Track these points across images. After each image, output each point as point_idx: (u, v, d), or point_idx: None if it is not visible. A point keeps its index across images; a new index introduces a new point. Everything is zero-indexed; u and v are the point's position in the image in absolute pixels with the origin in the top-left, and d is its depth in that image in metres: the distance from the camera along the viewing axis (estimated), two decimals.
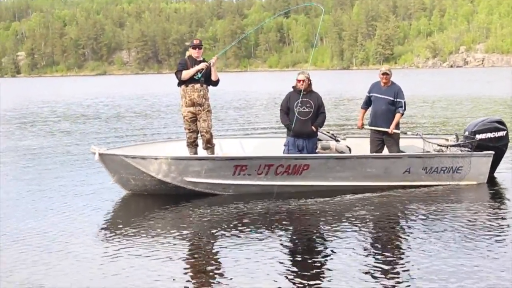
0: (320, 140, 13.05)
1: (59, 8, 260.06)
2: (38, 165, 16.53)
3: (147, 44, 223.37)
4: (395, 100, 12.80)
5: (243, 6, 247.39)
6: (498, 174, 13.46)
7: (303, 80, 12.40)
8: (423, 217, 10.36)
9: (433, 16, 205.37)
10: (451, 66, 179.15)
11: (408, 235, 9.41)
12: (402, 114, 12.93)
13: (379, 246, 8.93)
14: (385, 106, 12.88)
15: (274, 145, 13.45)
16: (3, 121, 30.97)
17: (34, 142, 21.65)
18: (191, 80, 12.51)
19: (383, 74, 12.92)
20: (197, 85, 12.53)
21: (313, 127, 12.40)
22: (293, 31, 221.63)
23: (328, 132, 13.49)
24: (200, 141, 12.88)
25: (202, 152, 12.91)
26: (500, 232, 9.45)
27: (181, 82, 12.62)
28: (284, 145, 12.71)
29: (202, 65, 12.50)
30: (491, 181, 13.00)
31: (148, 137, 21.97)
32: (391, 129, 12.85)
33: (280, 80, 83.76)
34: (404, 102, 12.89)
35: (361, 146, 13.59)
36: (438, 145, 13.55)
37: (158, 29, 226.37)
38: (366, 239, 9.26)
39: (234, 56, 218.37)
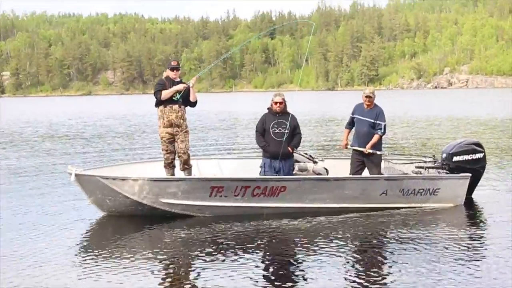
0: (298, 161, 12.99)
1: (45, 28, 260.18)
2: (16, 184, 16.45)
3: (132, 64, 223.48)
4: (375, 122, 12.78)
5: (228, 27, 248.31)
6: (476, 196, 13.45)
7: (280, 102, 12.38)
8: (400, 239, 10.32)
9: (416, 38, 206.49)
10: (436, 87, 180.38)
11: (385, 257, 9.39)
12: (381, 136, 12.82)
13: (357, 268, 8.89)
14: (367, 128, 12.85)
15: (252, 166, 13.32)
16: None
17: (14, 162, 21.51)
18: (169, 101, 12.44)
19: (366, 96, 12.88)
20: (175, 106, 12.48)
21: (289, 148, 12.35)
22: (278, 51, 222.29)
23: (306, 154, 13.40)
24: (177, 162, 12.80)
25: (179, 173, 12.83)
26: (477, 253, 9.46)
27: (159, 103, 12.54)
28: (261, 166, 12.62)
29: (181, 86, 12.44)
30: (469, 203, 12.95)
31: (129, 157, 21.83)
32: (366, 149, 12.79)
33: (263, 101, 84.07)
34: (385, 125, 12.81)
35: (339, 167, 13.55)
36: (416, 166, 13.54)
37: (144, 49, 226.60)
38: (343, 261, 9.20)
39: (219, 76, 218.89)
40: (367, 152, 12.78)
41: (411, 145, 24.96)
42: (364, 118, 12.92)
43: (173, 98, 12.41)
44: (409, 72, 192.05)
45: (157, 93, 12.49)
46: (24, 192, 15.32)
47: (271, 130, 12.31)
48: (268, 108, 12.59)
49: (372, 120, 12.80)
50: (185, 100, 12.59)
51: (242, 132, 33.70)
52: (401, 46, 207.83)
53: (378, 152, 12.97)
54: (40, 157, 23.17)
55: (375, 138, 12.80)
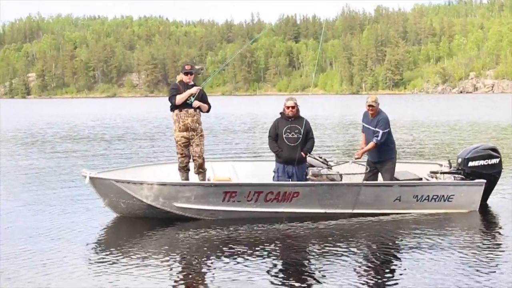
0: (312, 166, 12.93)
1: (70, 30, 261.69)
2: (35, 185, 16.70)
3: (156, 67, 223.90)
4: (374, 129, 12.71)
5: (253, 30, 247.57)
6: (491, 202, 13.33)
7: (293, 107, 12.36)
8: (413, 245, 10.31)
9: (441, 42, 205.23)
10: (461, 92, 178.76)
11: (397, 263, 9.38)
12: (376, 144, 12.64)
13: (369, 274, 8.87)
14: (371, 136, 12.81)
15: (267, 169, 13.25)
16: (4, 141, 31.05)
17: (33, 162, 21.82)
18: (185, 105, 12.51)
19: (369, 106, 12.83)
20: (191, 110, 12.54)
21: (302, 153, 12.31)
22: (303, 55, 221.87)
23: (321, 157, 13.33)
24: (191, 166, 12.82)
25: (193, 176, 12.86)
26: (491, 261, 9.37)
27: (174, 107, 12.59)
28: (274, 171, 12.62)
29: (195, 89, 12.50)
30: (484, 209, 12.85)
31: (147, 159, 21.94)
32: (356, 155, 12.95)
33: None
34: (383, 133, 12.61)
35: (354, 171, 13.44)
36: (431, 171, 13.45)
37: (168, 52, 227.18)
38: (355, 266, 9.18)
39: (244, 79, 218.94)
40: (356, 158, 12.88)
41: (430, 149, 24.89)
42: (368, 126, 12.94)
43: (187, 101, 12.45)
44: (434, 76, 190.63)
45: (171, 98, 12.57)
46: (40, 192, 15.57)
47: (284, 135, 12.29)
48: (280, 113, 12.58)
49: (373, 128, 12.74)
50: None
51: (261, 135, 33.66)
52: (426, 50, 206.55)
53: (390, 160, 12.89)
54: (59, 158, 23.48)
55: (369, 145, 12.77)
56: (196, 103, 12.50)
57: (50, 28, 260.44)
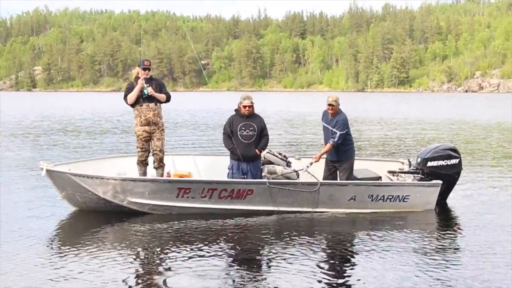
0: (271, 162, 12.90)
1: (77, 24, 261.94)
2: None
3: (162, 61, 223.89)
4: (332, 130, 12.65)
5: (259, 26, 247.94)
6: (450, 201, 13.38)
7: (249, 106, 12.37)
8: (364, 242, 10.39)
9: (448, 41, 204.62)
10: (466, 91, 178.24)
11: (353, 259, 9.50)
12: (333, 145, 12.60)
13: (324, 270, 8.94)
14: (330, 136, 12.76)
15: (228, 164, 13.25)
16: None
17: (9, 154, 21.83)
18: (145, 99, 12.57)
19: (329, 105, 12.74)
20: (152, 104, 12.66)
21: (256, 150, 12.31)
22: (309, 52, 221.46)
23: (280, 154, 13.28)
24: (150, 160, 12.84)
25: (151, 170, 12.89)
26: (444, 257, 9.49)
27: (133, 104, 12.62)
28: (228, 168, 12.65)
29: (140, 83, 12.52)
30: (442, 208, 12.86)
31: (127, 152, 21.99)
32: (314, 159, 12.85)
33: (289, 101, 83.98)
34: (340, 134, 12.54)
35: (316, 167, 13.37)
36: (389, 171, 13.43)
37: (174, 47, 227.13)
38: (310, 263, 9.20)
39: (249, 75, 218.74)
40: (314, 161, 12.79)
41: (406, 146, 24.86)
42: (327, 126, 12.88)
43: (143, 95, 12.48)
44: (440, 75, 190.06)
45: (125, 99, 12.69)
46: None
47: (238, 133, 12.31)
48: (235, 110, 12.59)
49: (332, 128, 12.68)
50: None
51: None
52: (432, 49, 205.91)
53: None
54: (31, 149, 23.92)
55: (326, 147, 12.76)
56: (150, 90, 12.49)
57: (57, 22, 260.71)
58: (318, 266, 9.03)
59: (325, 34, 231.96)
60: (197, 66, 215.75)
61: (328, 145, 12.66)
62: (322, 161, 13.12)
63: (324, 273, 8.73)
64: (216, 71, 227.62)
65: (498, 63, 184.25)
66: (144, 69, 12.64)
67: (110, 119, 44.16)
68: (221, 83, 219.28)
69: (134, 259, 9.39)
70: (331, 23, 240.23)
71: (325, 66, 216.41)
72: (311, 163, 12.77)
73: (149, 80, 12.66)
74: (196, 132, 32.00)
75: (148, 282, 8.32)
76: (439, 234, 11.07)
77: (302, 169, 12.76)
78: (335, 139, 12.54)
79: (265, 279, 8.47)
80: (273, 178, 12.41)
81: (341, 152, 12.78)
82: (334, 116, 12.75)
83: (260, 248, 10.04)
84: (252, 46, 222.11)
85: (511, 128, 36.03)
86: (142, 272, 8.81)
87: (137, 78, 12.70)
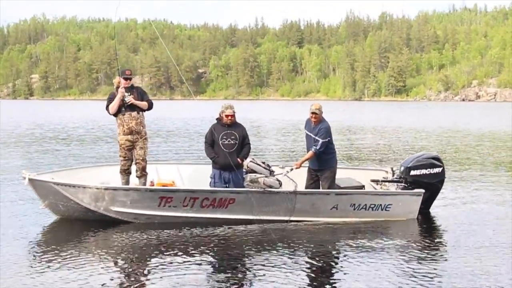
0: (254, 171, 12.89)
1: (74, 32, 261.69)
2: None
3: (160, 70, 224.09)
4: (315, 138, 12.65)
5: (256, 35, 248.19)
6: (434, 210, 13.39)
7: (232, 115, 12.36)
8: (346, 251, 10.42)
9: (445, 50, 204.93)
10: (463, 100, 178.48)
11: (334, 268, 9.56)
12: (315, 153, 12.58)
13: (306, 278, 8.98)
14: (312, 144, 12.73)
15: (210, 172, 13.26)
16: None
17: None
18: (127, 108, 12.59)
19: (312, 113, 12.72)
20: (134, 113, 12.67)
21: (238, 159, 12.31)
22: (306, 60, 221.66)
23: (264, 163, 13.27)
24: (133, 169, 12.85)
25: (134, 179, 12.89)
26: (426, 266, 9.52)
27: (115, 113, 12.66)
28: (211, 177, 12.63)
29: (120, 92, 12.56)
30: (425, 217, 12.86)
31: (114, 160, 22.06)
32: (295, 165, 12.85)
33: (286, 109, 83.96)
34: (322, 142, 12.53)
35: (300, 176, 13.35)
36: (371, 180, 13.43)
37: (172, 55, 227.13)
38: (292, 271, 9.22)
39: (247, 84, 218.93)
40: (295, 167, 12.80)
41: (394, 155, 24.89)
42: (310, 134, 12.85)
43: (125, 104, 12.50)
44: (436, 84, 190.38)
45: (107, 108, 12.70)
46: None
47: (220, 142, 12.29)
48: (217, 119, 12.56)
49: (314, 136, 12.67)
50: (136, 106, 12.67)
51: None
52: (429, 58, 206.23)
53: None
54: (17, 158, 23.77)
55: (308, 154, 12.75)
56: (130, 98, 12.52)
57: (54, 30, 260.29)
58: (299, 275, 9.01)
59: (322, 42, 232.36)
60: (194, 74, 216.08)
61: (310, 153, 12.65)
62: (305, 170, 13.13)
63: (305, 282, 8.73)
64: (214, 79, 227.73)
65: (494, 72, 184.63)
66: (125, 79, 12.65)
67: (103, 127, 44.01)
68: (218, 92, 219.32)
69: (115, 268, 9.39)
70: (328, 32, 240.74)
71: (322, 74, 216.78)
72: (291, 169, 12.77)
73: (131, 89, 12.68)
74: (188, 141, 31.97)
75: None
76: (420, 244, 11.06)
77: (282, 173, 12.76)
78: (317, 147, 12.53)
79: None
80: (255, 187, 12.41)
81: (323, 161, 12.78)
82: (317, 124, 12.74)
83: (240, 257, 10.05)
84: (249, 55, 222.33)
85: (502, 137, 36.11)
86: (122, 281, 8.79)
87: (118, 87, 12.70)
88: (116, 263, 9.63)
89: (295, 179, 12.71)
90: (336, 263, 9.77)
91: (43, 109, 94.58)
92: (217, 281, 8.72)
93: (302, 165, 12.97)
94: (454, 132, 41.09)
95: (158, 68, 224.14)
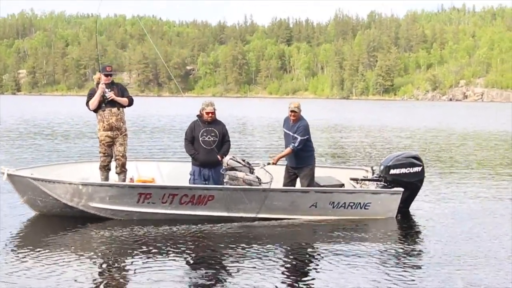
0: (234, 169, 12.88)
1: (63, 27, 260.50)
2: None
3: (148, 66, 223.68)
4: (293, 135, 12.67)
5: (245, 32, 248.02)
6: (413, 209, 13.43)
7: (212, 113, 12.38)
8: (324, 248, 10.45)
9: (433, 49, 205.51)
10: (450, 100, 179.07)
11: (312, 265, 9.61)
12: (292, 150, 12.60)
13: (283, 274, 9.04)
14: (290, 142, 12.76)
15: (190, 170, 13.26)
16: None
17: None
18: (107, 104, 12.56)
19: (291, 111, 12.74)
20: (114, 109, 12.65)
21: (218, 156, 12.32)
22: (294, 58, 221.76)
23: (244, 161, 13.27)
24: (112, 165, 12.83)
25: (114, 176, 12.88)
26: (402, 264, 9.59)
27: (96, 109, 12.63)
28: (190, 174, 12.63)
29: (101, 88, 12.53)
30: (404, 216, 12.88)
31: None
32: (273, 160, 12.88)
33: (273, 107, 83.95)
34: (300, 140, 12.55)
35: (280, 174, 13.38)
36: (351, 178, 13.47)
37: (160, 52, 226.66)
38: (270, 267, 9.27)
39: (235, 81, 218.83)
40: (272, 163, 12.82)
41: (372, 155, 25.09)
42: (289, 132, 12.88)
43: (105, 100, 12.50)
44: (424, 83, 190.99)
45: (87, 104, 12.66)
46: None
47: (200, 138, 12.31)
48: (197, 116, 12.56)
49: (293, 134, 12.70)
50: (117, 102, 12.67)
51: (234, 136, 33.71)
52: (417, 57, 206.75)
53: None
54: (1, 153, 23.66)
55: (286, 151, 12.78)
56: (111, 94, 12.50)
57: (42, 25, 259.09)
58: (275, 272, 9.04)
59: (311, 41, 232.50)
60: (182, 71, 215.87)
61: (288, 149, 12.68)
62: (283, 168, 13.18)
63: (279, 280, 8.74)
64: (202, 76, 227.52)
65: (482, 72, 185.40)
66: (106, 75, 12.64)
67: (88, 123, 43.79)
68: (207, 89, 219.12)
69: (92, 265, 9.35)
70: (317, 30, 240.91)
71: (311, 73, 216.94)
72: (268, 163, 12.81)
73: (111, 85, 12.67)
74: (173, 138, 31.93)
75: None
76: (398, 242, 11.10)
77: (259, 165, 12.79)
78: (296, 144, 12.55)
79: (223, 286, 8.48)
80: (235, 185, 12.42)
81: (301, 159, 12.80)
82: (296, 122, 12.77)
83: (218, 254, 10.04)
84: (238, 52, 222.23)
85: (486, 137, 36.28)
86: (99, 277, 8.78)
87: (98, 83, 12.69)
88: (93, 260, 9.59)
89: (277, 175, 12.77)
90: (313, 262, 9.80)
91: (30, 105, 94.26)
92: (194, 278, 8.74)
93: (279, 162, 13.00)
94: (439, 131, 41.37)
95: (146, 64, 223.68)
